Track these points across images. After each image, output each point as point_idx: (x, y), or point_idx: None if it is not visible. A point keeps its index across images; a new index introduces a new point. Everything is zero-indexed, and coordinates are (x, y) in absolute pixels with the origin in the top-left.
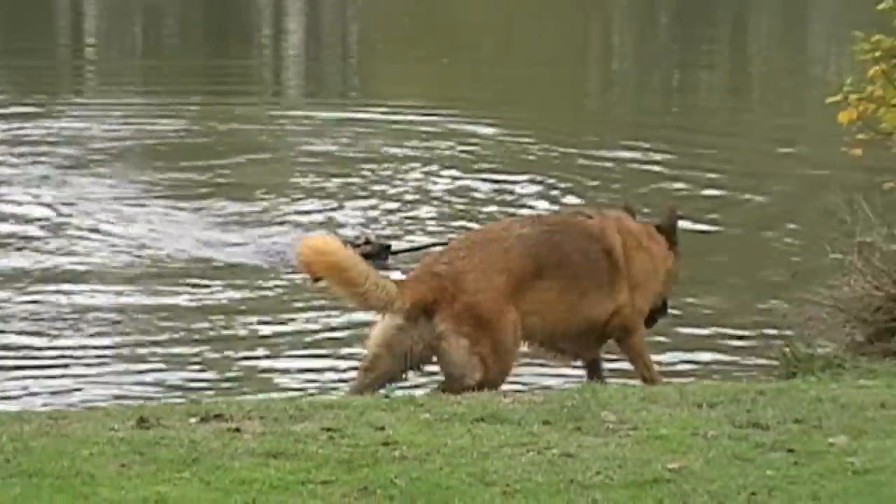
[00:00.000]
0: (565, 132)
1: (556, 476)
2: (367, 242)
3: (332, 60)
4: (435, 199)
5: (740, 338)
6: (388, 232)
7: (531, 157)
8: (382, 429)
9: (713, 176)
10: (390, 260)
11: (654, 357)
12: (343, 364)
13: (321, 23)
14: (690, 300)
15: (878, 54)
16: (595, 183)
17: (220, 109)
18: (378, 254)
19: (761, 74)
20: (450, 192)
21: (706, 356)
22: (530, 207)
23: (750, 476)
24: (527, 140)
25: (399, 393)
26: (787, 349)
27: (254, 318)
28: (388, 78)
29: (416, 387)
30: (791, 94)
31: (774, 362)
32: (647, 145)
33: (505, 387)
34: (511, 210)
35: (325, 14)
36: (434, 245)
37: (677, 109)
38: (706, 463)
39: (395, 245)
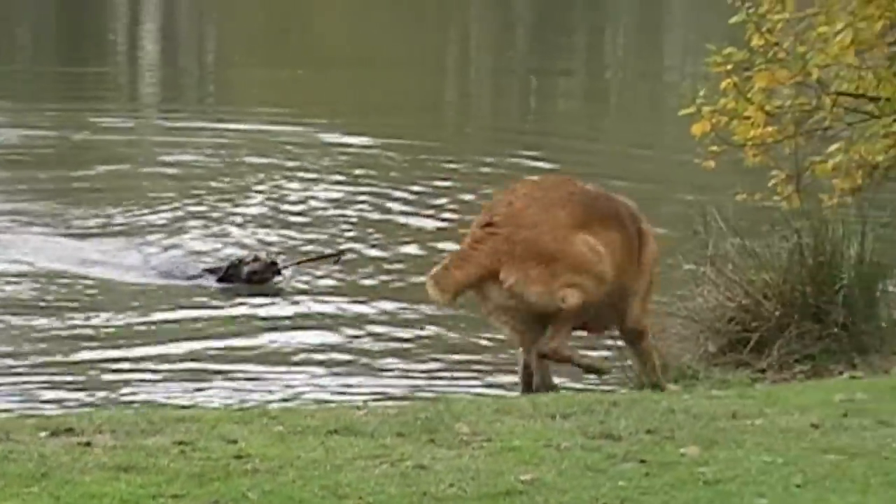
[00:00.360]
0: (438, 140)
1: (409, 488)
2: (256, 259)
3: (190, 70)
4: (331, 211)
5: (596, 347)
6: (292, 245)
7: (409, 166)
8: (235, 442)
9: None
10: (281, 276)
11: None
12: (203, 371)
13: (177, 32)
14: None
15: (729, 67)
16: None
17: (75, 118)
18: (265, 270)
19: (618, 81)
20: (346, 203)
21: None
22: (443, 216)
23: (602, 487)
24: (403, 149)
25: (253, 405)
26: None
27: (107, 326)
28: (247, 88)
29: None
30: (648, 103)
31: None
32: (530, 153)
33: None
34: (419, 219)
35: (181, 24)
36: (324, 257)
37: (536, 118)
38: (559, 474)
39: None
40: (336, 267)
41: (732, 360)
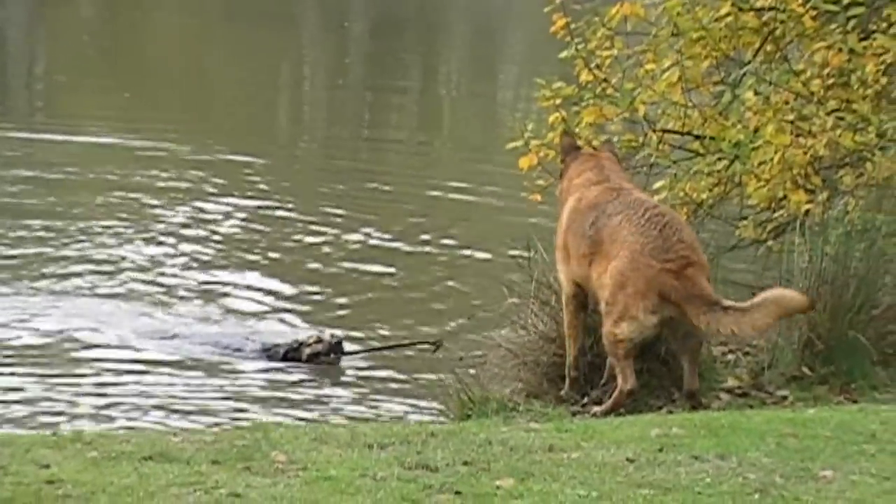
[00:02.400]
0: (272, 156)
1: None
2: (319, 341)
3: (16, 89)
4: (243, 232)
5: (418, 380)
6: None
7: (291, 185)
8: (48, 467)
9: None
10: (342, 360)
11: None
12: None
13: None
14: (372, 340)
15: (558, 102)
16: (415, 218)
17: None
18: (328, 353)
19: (452, 114)
20: (247, 221)
21: (384, 396)
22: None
23: None
24: (242, 164)
25: (66, 430)
26: (461, 392)
27: None
28: (76, 107)
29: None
30: (480, 136)
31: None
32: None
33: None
34: (325, 237)
35: (8, 43)
36: (389, 347)
37: (369, 144)
38: None
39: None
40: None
41: (553, 393)
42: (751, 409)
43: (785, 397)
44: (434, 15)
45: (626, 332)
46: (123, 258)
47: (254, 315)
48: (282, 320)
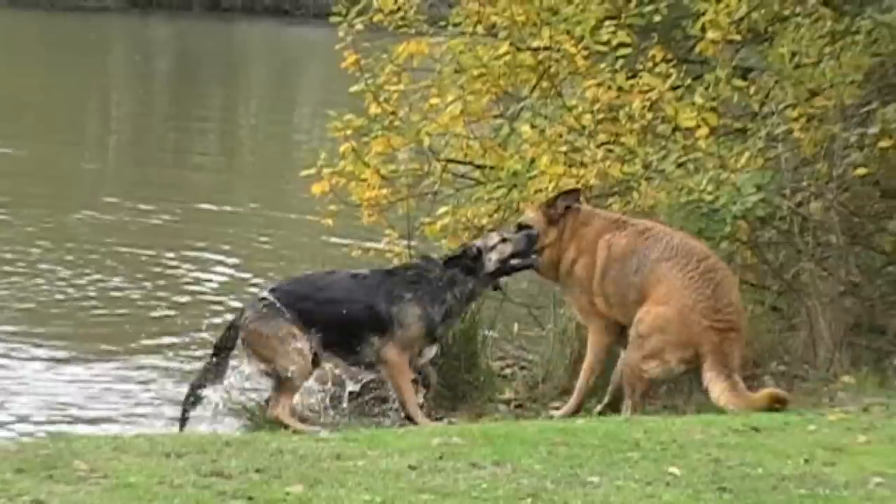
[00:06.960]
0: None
1: None
2: None
3: None
4: None
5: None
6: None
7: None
8: None
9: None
10: None
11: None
12: None
13: None
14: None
15: (349, 132)
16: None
17: None
18: None
19: (250, 146)
20: None
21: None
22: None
23: None
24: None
25: None
26: (255, 405)
27: None
28: None
29: None
30: (277, 165)
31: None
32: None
33: None
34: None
35: None
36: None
37: (171, 177)
38: None
39: None
40: None
41: (353, 408)
42: (526, 419)
43: (557, 408)
44: (233, 54)
45: (653, 371)
46: None
47: None
48: None
